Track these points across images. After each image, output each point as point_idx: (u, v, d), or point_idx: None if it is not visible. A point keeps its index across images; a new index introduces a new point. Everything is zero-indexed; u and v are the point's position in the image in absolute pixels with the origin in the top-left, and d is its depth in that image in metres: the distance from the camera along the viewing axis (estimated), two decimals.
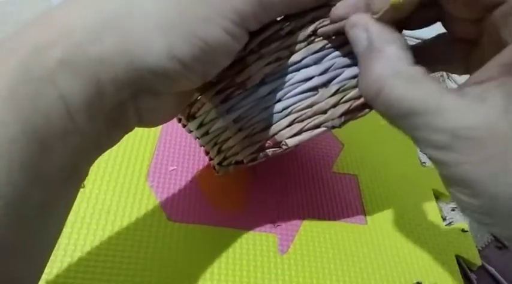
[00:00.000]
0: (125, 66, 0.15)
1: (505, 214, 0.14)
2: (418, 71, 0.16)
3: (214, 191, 0.31)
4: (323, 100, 0.21)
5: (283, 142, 0.22)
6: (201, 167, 0.32)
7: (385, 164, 0.37)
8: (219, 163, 0.26)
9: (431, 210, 0.34)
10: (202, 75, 0.18)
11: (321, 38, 0.21)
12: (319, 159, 0.35)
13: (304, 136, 0.22)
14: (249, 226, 0.29)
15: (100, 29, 0.15)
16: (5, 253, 0.14)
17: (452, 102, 0.15)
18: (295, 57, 0.21)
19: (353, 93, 0.21)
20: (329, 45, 0.21)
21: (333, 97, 0.21)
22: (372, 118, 0.22)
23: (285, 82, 0.21)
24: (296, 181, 0.33)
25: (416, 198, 0.35)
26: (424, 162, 0.39)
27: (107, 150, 0.18)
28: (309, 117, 0.21)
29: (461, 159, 0.15)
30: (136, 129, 0.19)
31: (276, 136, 0.22)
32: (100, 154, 0.18)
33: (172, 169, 0.31)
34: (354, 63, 0.21)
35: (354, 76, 0.21)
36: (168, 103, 0.19)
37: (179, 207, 0.29)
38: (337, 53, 0.21)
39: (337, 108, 0.21)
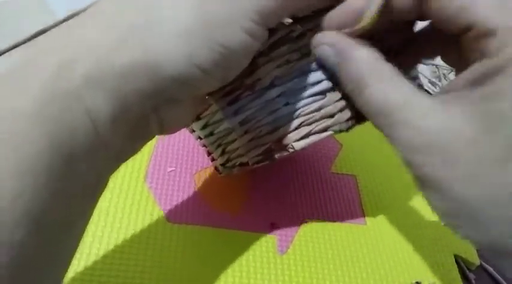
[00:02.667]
0: (147, 77, 0.15)
1: (468, 217, 0.14)
2: (391, 69, 0.17)
3: (213, 192, 0.31)
4: (331, 104, 0.21)
5: (289, 146, 0.22)
6: (199, 168, 0.32)
7: (384, 164, 0.37)
8: (223, 165, 0.26)
9: (430, 210, 0.34)
10: (222, 79, 0.18)
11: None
12: (318, 159, 0.35)
13: (312, 139, 0.22)
14: (248, 227, 0.29)
15: (122, 42, 0.15)
16: (27, 268, 0.14)
17: (420, 100, 0.15)
18: (304, 61, 0.21)
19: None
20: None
21: (340, 102, 0.21)
22: None
23: (293, 86, 0.21)
24: (295, 182, 0.33)
25: (415, 198, 0.35)
26: None
27: (126, 161, 0.18)
28: (317, 121, 0.21)
29: (424, 160, 0.15)
30: None
31: (283, 139, 0.22)
32: (119, 166, 0.18)
33: (171, 171, 0.31)
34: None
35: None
36: (186, 110, 0.19)
37: (178, 208, 0.29)
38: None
39: (344, 112, 0.21)
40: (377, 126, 0.17)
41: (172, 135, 0.33)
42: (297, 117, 0.21)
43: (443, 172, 0.15)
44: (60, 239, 0.15)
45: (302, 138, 0.22)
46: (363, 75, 0.17)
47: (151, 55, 0.15)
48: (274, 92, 0.21)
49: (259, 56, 0.20)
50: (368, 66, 0.17)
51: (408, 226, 0.33)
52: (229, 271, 0.27)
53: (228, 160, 0.26)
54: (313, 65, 0.21)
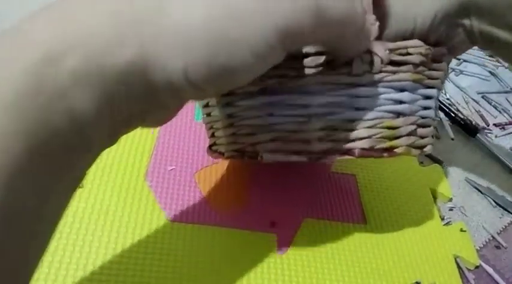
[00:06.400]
0: (139, 82, 0.14)
1: None
2: None
3: (213, 191, 0.31)
4: (311, 131, 0.21)
5: (260, 154, 0.22)
6: (200, 167, 0.32)
7: (384, 164, 0.37)
8: (210, 146, 0.27)
9: (430, 210, 0.34)
10: (214, 94, 0.17)
11: (334, 71, 0.20)
12: None
13: (281, 157, 0.22)
14: (248, 226, 0.29)
15: (118, 38, 0.13)
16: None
17: None
18: (299, 81, 0.21)
19: (339, 135, 0.21)
20: (341, 81, 0.21)
21: (320, 132, 0.21)
22: None
23: (283, 100, 0.21)
24: (295, 181, 0.33)
25: (415, 198, 0.35)
26: (421, 162, 0.39)
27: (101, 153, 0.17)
28: (291, 142, 0.22)
29: None
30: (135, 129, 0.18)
31: (256, 145, 0.22)
32: (96, 158, 0.17)
33: (171, 169, 0.31)
34: (357, 106, 0.21)
35: (349, 120, 0.21)
36: (171, 112, 0.18)
37: (178, 207, 0.29)
38: (345, 91, 0.21)
39: (321, 143, 0.21)
40: None
41: (173, 134, 0.33)
42: (274, 130, 0.22)
43: None
44: (33, 230, 0.14)
45: (273, 151, 0.22)
46: None
47: (146, 58, 0.14)
48: (262, 99, 0.21)
49: None
50: None
51: (408, 225, 0.33)
52: (228, 270, 0.27)
53: (214, 144, 0.27)
54: (306, 88, 0.21)
